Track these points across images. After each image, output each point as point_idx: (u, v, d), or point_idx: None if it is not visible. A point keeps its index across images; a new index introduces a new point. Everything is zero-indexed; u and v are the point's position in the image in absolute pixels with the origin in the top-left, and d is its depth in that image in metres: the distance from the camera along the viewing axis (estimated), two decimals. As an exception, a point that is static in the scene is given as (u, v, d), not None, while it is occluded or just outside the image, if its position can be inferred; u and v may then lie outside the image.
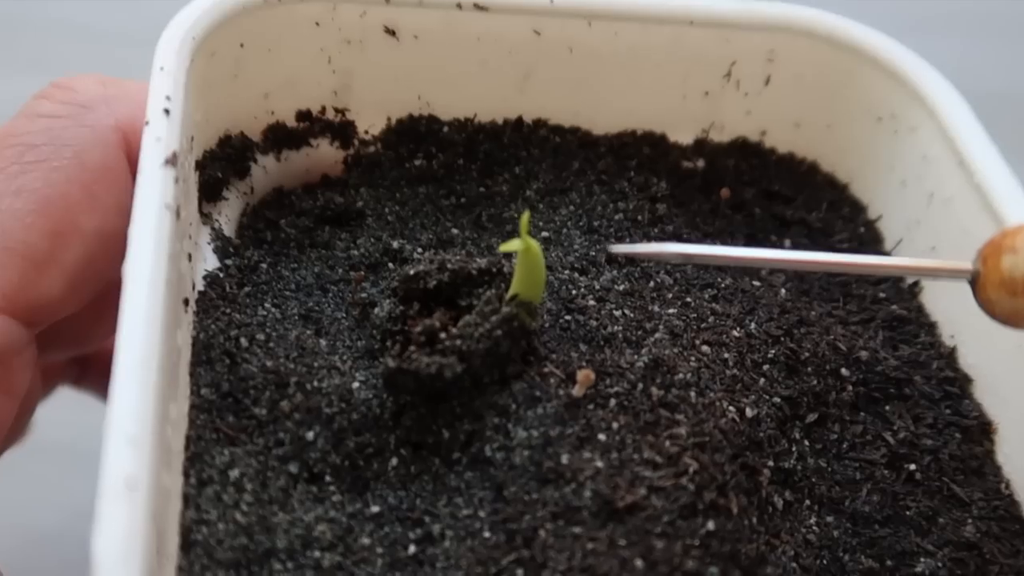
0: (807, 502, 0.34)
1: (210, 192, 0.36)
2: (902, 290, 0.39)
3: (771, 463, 0.33)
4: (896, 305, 0.38)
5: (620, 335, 0.34)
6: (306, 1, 0.36)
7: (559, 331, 0.35)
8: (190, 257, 0.33)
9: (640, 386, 0.33)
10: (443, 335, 0.32)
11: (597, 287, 0.36)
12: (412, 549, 0.30)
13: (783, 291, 0.38)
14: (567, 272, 0.37)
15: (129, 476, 0.23)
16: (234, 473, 0.30)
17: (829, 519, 0.33)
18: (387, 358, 0.32)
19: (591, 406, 0.32)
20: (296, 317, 0.35)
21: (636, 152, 0.42)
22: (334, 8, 0.37)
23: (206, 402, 0.31)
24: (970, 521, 0.33)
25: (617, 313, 0.35)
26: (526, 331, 0.33)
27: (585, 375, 0.32)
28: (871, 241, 0.41)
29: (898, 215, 0.41)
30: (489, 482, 0.31)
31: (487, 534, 0.30)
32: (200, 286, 0.34)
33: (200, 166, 0.36)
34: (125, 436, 0.24)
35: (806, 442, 0.34)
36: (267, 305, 0.35)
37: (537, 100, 0.41)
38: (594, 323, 0.35)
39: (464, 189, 0.41)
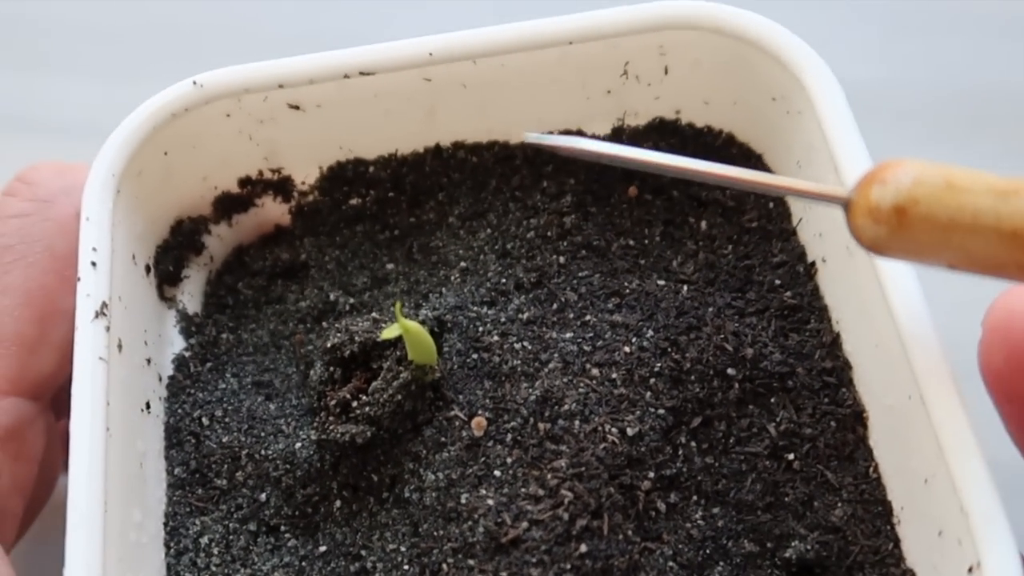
0: (694, 498, 0.38)
1: (170, 278, 0.43)
2: (798, 274, 0.41)
3: (652, 474, 0.38)
4: (790, 291, 0.41)
5: (519, 369, 0.39)
6: (211, 102, 0.41)
7: (467, 370, 0.40)
8: (149, 361, 0.40)
9: (531, 421, 0.38)
10: (355, 403, 0.38)
11: (503, 319, 0.40)
12: (351, 583, 0.38)
13: (685, 289, 0.41)
14: (475, 309, 0.41)
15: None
16: (204, 540, 0.38)
17: (715, 510, 0.38)
18: (310, 431, 0.38)
19: (491, 443, 0.38)
20: (250, 385, 0.42)
21: (551, 156, 0.45)
22: (238, 101, 0.41)
23: (179, 480, 0.39)
24: (839, 505, 0.37)
25: (518, 346, 0.40)
26: (425, 387, 0.38)
27: (477, 423, 0.38)
28: (779, 218, 0.43)
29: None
30: (408, 520, 0.38)
31: (407, 567, 0.37)
32: (169, 371, 0.41)
33: (155, 262, 0.42)
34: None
35: (692, 444, 0.39)
36: (228, 376, 0.42)
37: (449, 128, 0.44)
38: (497, 359, 0.40)
39: (396, 221, 0.45)
